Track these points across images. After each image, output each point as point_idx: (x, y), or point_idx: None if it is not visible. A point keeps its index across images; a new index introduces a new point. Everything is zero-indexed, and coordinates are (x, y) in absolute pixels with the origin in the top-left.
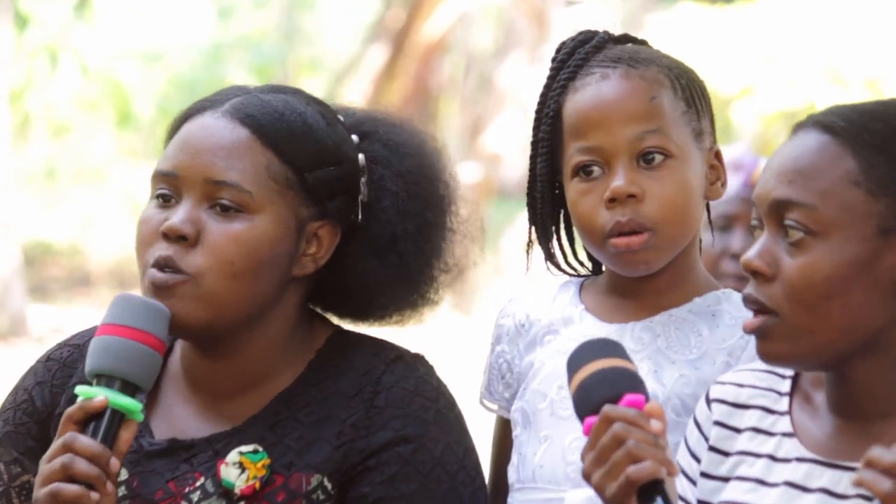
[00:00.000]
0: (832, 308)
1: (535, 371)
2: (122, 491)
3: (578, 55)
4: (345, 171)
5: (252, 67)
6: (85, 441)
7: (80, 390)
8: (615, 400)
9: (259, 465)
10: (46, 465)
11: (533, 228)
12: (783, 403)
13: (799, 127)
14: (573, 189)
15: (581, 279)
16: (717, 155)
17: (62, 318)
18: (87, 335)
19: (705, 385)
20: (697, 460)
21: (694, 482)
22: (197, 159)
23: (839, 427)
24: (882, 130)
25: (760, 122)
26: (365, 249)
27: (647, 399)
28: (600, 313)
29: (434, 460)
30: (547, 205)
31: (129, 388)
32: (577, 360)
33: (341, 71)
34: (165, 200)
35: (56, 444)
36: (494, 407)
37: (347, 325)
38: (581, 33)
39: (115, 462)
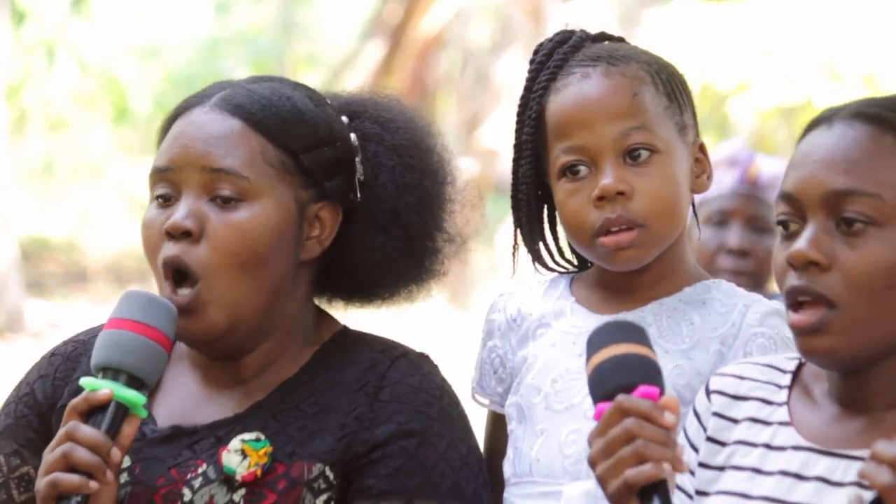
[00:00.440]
0: (894, 298)
1: (528, 366)
2: (123, 478)
3: (557, 56)
4: (339, 150)
5: (249, 63)
6: (86, 430)
7: (86, 382)
8: (630, 389)
9: (261, 452)
10: (48, 455)
11: (518, 231)
12: (782, 395)
13: (829, 120)
14: (560, 189)
15: (570, 274)
16: (702, 148)
17: (59, 313)
18: (93, 332)
19: (700, 375)
20: (696, 450)
21: (692, 472)
22: (191, 151)
23: (838, 416)
24: None
25: (757, 118)
26: (369, 227)
27: (663, 391)
28: (591, 305)
29: (438, 455)
30: (532, 207)
31: (134, 383)
32: (597, 341)
33: (338, 66)
34: (165, 200)
35: (59, 433)
36: (486, 402)
37: (356, 311)
38: (558, 34)
39: (116, 452)
